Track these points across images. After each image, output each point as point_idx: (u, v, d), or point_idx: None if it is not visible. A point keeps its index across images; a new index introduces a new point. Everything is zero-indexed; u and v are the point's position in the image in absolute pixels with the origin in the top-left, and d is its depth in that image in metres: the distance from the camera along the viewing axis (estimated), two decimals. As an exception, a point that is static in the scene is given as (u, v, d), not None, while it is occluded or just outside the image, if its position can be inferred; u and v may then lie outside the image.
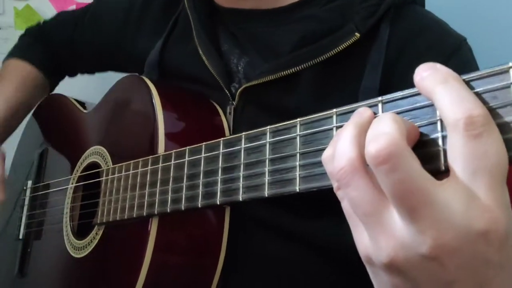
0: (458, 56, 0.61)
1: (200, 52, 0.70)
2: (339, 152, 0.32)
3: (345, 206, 0.33)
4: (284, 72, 0.63)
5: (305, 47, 0.63)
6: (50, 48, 0.99)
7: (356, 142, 0.32)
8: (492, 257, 0.29)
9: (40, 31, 1.02)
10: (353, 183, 0.31)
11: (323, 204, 0.57)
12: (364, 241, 0.32)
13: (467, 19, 0.86)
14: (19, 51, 1.00)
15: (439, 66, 0.32)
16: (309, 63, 0.62)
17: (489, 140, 0.28)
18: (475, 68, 0.63)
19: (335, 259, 0.62)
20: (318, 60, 0.61)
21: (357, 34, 0.60)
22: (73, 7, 1.01)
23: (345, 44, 0.60)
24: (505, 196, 0.29)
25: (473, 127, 0.28)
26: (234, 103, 0.67)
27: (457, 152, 0.29)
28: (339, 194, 0.33)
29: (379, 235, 0.31)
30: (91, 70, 1.01)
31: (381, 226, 0.30)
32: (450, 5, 0.88)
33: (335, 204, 0.54)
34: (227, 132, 0.67)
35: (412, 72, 0.32)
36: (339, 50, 0.61)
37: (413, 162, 0.29)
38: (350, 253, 0.64)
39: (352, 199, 0.32)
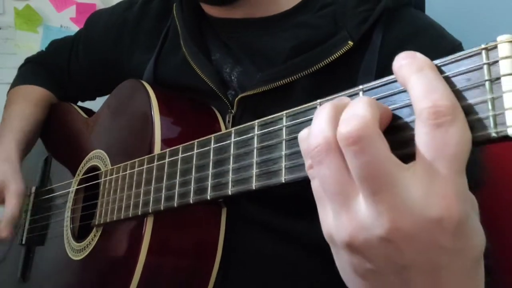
0: None
1: (190, 61, 0.70)
2: (315, 131, 0.33)
3: (315, 185, 0.34)
4: (278, 83, 0.63)
5: (299, 55, 0.63)
6: (51, 73, 0.99)
7: (332, 121, 0.32)
8: (446, 244, 0.29)
9: (40, 60, 1.02)
10: (326, 161, 0.31)
11: (315, 204, 0.57)
12: (329, 220, 0.33)
13: (466, 20, 0.86)
14: (24, 78, 0.99)
15: (418, 55, 0.32)
16: (303, 72, 0.62)
17: (451, 130, 0.28)
18: None
19: (327, 257, 0.62)
20: (312, 70, 0.61)
21: (350, 42, 0.60)
22: (73, 7, 1.01)
23: (339, 52, 0.60)
24: (463, 185, 0.29)
25: (435, 117, 0.28)
26: (233, 111, 0.68)
27: (420, 140, 0.29)
28: (311, 173, 0.34)
29: (343, 215, 0.31)
30: (91, 96, 1.01)
31: (346, 206, 0.31)
32: (449, 7, 0.88)
33: None
34: None
35: None
36: (333, 59, 0.61)
37: (381, 146, 0.29)
38: None
39: (323, 177, 0.32)
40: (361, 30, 0.61)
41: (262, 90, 0.64)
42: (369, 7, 0.62)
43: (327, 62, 0.61)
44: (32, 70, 1.01)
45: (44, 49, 1.06)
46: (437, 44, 0.62)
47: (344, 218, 0.31)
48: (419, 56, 0.32)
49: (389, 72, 0.60)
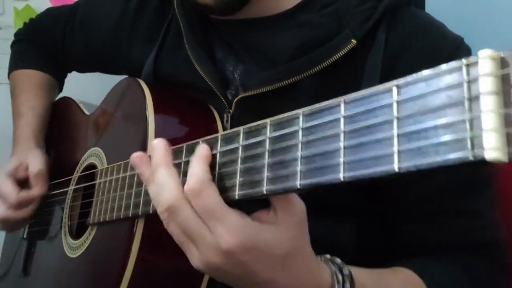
0: (455, 59, 0.60)
1: (192, 58, 0.70)
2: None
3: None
4: (281, 83, 0.62)
5: (303, 55, 0.62)
6: (44, 49, 0.99)
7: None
8: (230, 268, 0.44)
9: (31, 33, 1.02)
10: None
11: (319, 206, 0.56)
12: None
13: (467, 19, 0.85)
14: (20, 61, 1.00)
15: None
16: (306, 73, 0.61)
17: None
18: None
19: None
20: (316, 70, 0.60)
21: (354, 41, 0.59)
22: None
23: (342, 51, 0.59)
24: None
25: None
26: (231, 111, 0.67)
27: None
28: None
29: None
30: (82, 70, 1.02)
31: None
32: (449, 6, 0.87)
33: (329, 206, 0.55)
34: None
35: None
36: (336, 58, 0.60)
37: (186, 211, 0.44)
38: (344, 252, 0.64)
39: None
40: (364, 28, 0.60)
41: (264, 91, 0.63)
42: (372, 5, 0.61)
43: (331, 61, 0.60)
44: (28, 51, 1.01)
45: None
46: (440, 42, 0.61)
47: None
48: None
49: (394, 73, 0.59)
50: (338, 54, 0.59)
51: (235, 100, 0.66)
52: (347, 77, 0.61)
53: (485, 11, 0.88)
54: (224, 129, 0.67)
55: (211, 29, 0.73)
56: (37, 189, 0.81)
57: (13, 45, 1.04)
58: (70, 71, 1.04)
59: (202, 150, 0.46)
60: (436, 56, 0.60)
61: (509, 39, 0.84)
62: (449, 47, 0.61)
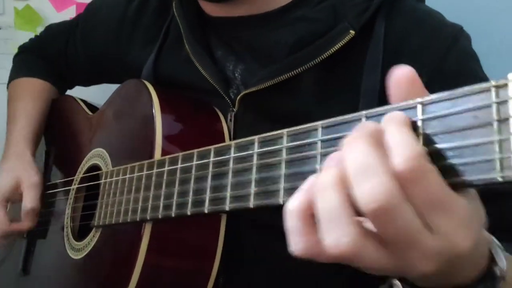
0: (456, 48, 0.60)
1: (193, 59, 0.70)
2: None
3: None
4: (282, 77, 0.62)
5: (301, 49, 0.62)
6: (47, 61, 0.99)
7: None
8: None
9: (35, 46, 1.02)
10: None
11: None
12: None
13: (467, 18, 0.86)
14: (21, 70, 1.00)
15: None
16: (306, 65, 0.61)
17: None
18: (473, 57, 0.63)
19: None
20: (315, 62, 0.61)
21: (352, 32, 0.59)
22: (73, 7, 1.00)
23: (341, 43, 0.60)
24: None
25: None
26: (235, 109, 0.67)
27: None
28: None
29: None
30: (86, 83, 1.01)
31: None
32: (450, 4, 0.87)
33: None
34: (227, 138, 0.66)
35: None
36: (335, 49, 0.60)
37: (406, 212, 0.30)
38: None
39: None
40: (362, 19, 0.60)
41: (264, 86, 0.63)
42: None
43: (330, 53, 0.60)
44: (29, 61, 1.01)
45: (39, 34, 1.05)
46: (439, 34, 0.62)
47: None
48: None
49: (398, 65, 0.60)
50: (337, 45, 0.60)
51: (238, 98, 0.66)
52: (348, 70, 0.62)
53: (485, 10, 0.88)
54: (229, 128, 0.67)
55: (210, 29, 0.73)
56: (26, 224, 0.83)
57: (16, 56, 1.04)
58: (72, 87, 1.04)
59: (398, 115, 0.32)
60: (437, 47, 0.60)
61: (510, 38, 0.85)
62: (449, 37, 0.61)
